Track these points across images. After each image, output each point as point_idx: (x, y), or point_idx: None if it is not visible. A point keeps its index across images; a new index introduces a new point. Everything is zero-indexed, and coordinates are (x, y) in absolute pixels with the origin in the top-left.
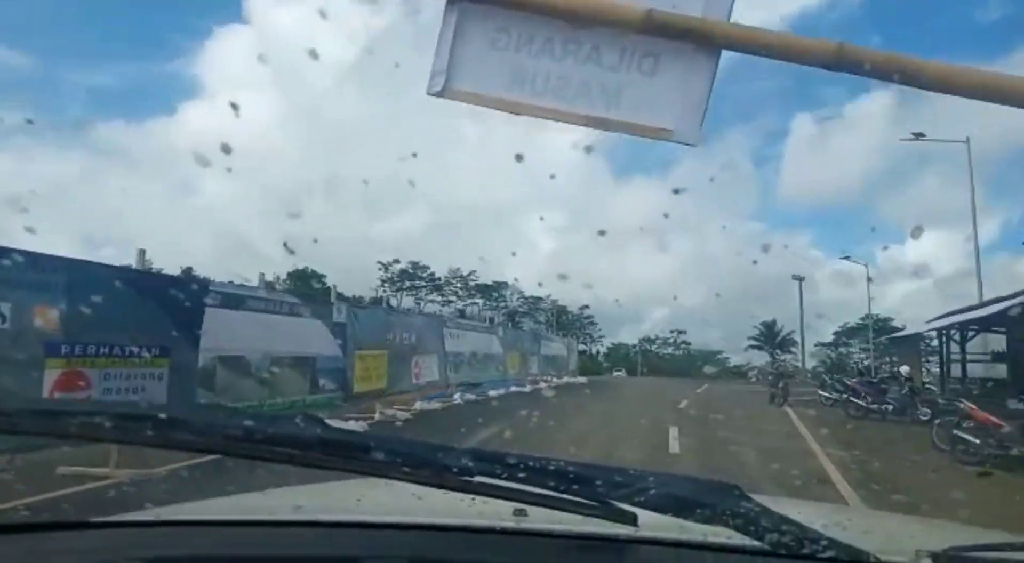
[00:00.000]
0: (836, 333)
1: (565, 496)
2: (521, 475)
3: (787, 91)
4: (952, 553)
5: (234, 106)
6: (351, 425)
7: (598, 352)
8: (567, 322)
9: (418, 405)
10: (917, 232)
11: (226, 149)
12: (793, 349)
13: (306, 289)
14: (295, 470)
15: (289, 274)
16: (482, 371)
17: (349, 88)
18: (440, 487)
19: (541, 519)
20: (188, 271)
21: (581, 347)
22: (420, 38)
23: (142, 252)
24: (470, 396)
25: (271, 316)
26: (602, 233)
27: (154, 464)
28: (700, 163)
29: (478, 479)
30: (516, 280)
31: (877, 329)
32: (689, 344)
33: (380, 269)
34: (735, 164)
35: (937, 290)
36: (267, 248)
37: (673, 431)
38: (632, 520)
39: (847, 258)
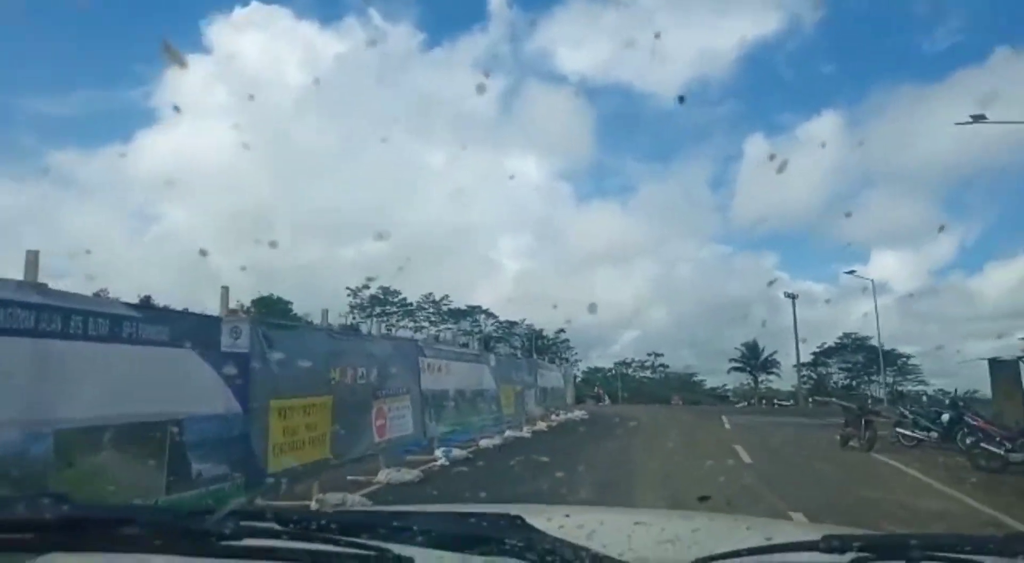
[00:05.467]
0: (815, 353)
1: (338, 548)
2: (291, 531)
3: (742, 116)
4: (717, 558)
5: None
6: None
7: (575, 377)
8: (543, 346)
9: (383, 477)
10: None
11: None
12: (775, 370)
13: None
14: None
15: (253, 301)
16: (472, 414)
17: (311, 116)
18: (202, 555)
19: None
20: (147, 299)
21: None
22: (383, 68)
23: None
24: (458, 452)
25: (74, 344)
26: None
27: None
28: (665, 186)
29: (246, 542)
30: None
31: (855, 348)
32: (667, 367)
33: (349, 295)
34: (697, 188)
35: (898, 307)
36: (230, 275)
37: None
38: None
39: (852, 272)
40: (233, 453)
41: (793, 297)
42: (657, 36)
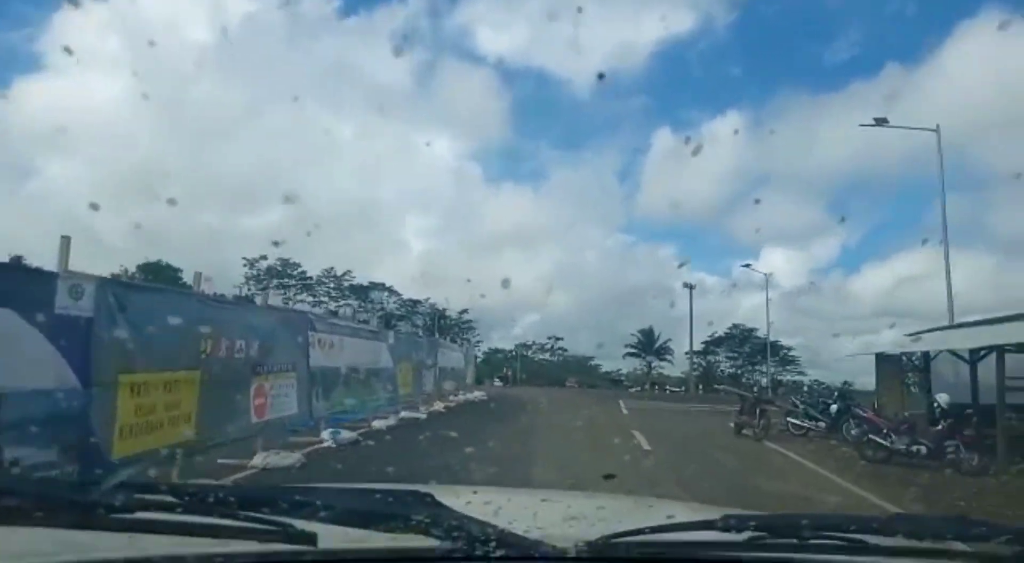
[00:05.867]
0: (705, 342)
1: (238, 523)
2: (187, 504)
3: (652, 109)
4: (612, 540)
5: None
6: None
7: (476, 358)
8: (446, 326)
9: (259, 461)
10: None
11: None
12: (668, 357)
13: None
14: None
15: (139, 266)
16: (365, 393)
17: (214, 74)
18: (91, 528)
19: (213, 548)
20: (17, 260)
21: None
22: (295, 30)
23: None
24: (347, 434)
25: None
26: None
27: None
28: (574, 174)
29: (138, 515)
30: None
31: (742, 338)
32: (566, 350)
33: (245, 265)
34: (606, 178)
35: (782, 302)
36: (118, 238)
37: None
38: (311, 539)
39: (748, 266)
40: (66, 436)
41: (691, 287)
42: (579, 10)
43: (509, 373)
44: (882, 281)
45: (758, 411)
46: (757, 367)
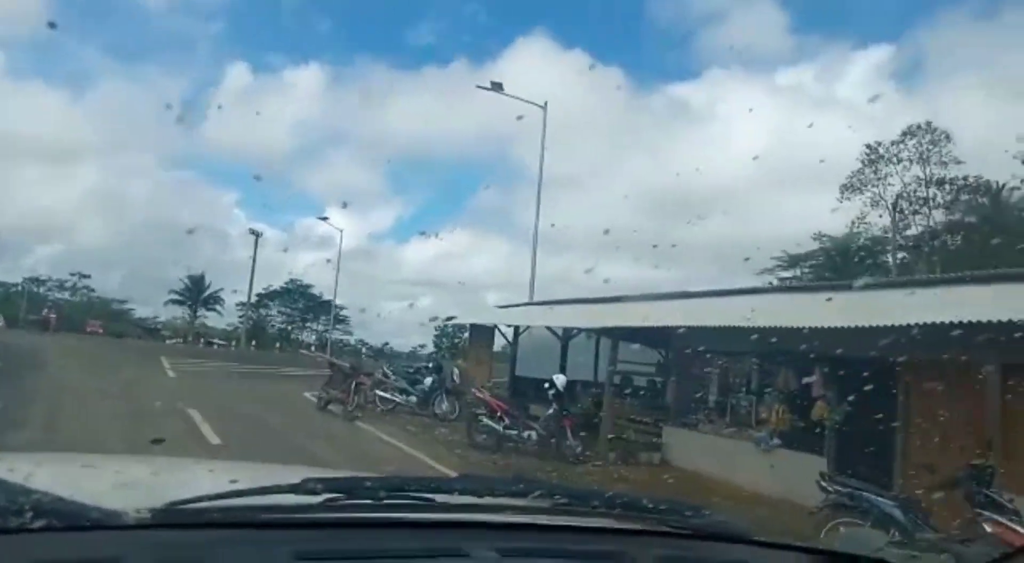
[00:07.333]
0: (259, 295)
1: None
2: None
3: (231, 40)
4: (176, 506)
5: None
6: None
7: None
8: None
9: None
10: None
11: None
12: (217, 307)
13: None
14: None
15: None
16: None
17: None
18: None
19: None
20: None
21: None
22: None
23: None
24: None
25: None
26: None
27: None
28: (129, 90)
29: None
30: None
31: (298, 294)
32: (93, 290)
33: None
34: (167, 102)
35: (336, 265)
36: None
37: None
38: None
39: (325, 219)
40: None
41: (257, 234)
42: None
43: (52, 316)
44: (426, 254)
45: (354, 385)
46: (308, 324)
